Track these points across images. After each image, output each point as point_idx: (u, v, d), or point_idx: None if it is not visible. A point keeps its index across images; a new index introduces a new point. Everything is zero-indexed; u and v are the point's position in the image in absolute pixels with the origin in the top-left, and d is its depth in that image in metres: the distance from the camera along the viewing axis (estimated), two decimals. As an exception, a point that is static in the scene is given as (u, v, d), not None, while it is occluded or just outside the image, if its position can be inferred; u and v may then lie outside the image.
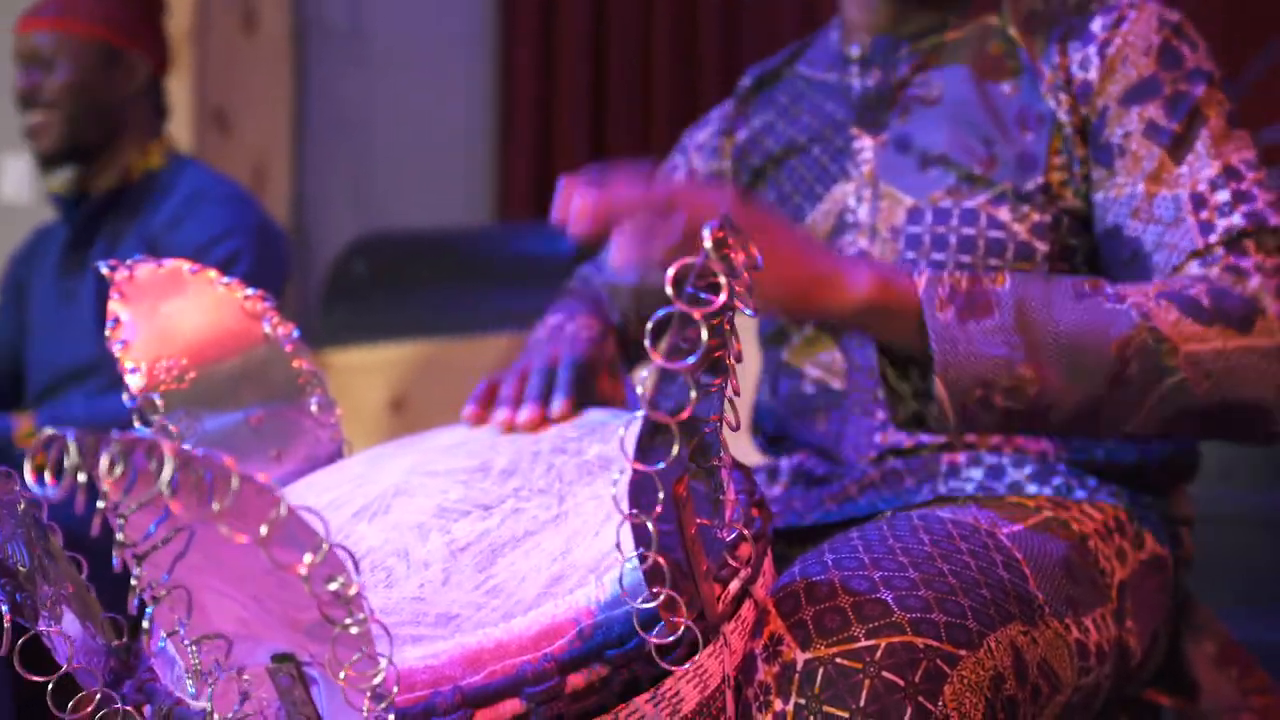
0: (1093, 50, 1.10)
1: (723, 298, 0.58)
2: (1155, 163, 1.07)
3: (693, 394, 0.58)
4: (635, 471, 0.61)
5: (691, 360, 0.57)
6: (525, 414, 1.01)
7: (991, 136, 1.12)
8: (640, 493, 0.62)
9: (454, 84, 4.00)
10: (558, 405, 1.01)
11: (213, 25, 3.29)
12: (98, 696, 0.73)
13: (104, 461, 0.46)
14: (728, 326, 0.64)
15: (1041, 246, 1.10)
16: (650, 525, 0.62)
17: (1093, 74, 1.10)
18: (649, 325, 0.59)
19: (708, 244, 0.60)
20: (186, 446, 0.50)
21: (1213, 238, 1.03)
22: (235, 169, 3.13)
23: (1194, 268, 1.03)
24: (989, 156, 1.12)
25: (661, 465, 0.60)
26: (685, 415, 0.58)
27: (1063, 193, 1.11)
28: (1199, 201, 1.04)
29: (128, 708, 0.74)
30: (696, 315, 0.57)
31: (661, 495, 0.60)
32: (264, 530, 0.47)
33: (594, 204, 0.92)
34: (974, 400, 0.96)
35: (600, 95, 4.00)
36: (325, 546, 0.49)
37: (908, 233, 1.14)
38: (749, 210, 0.98)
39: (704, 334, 0.56)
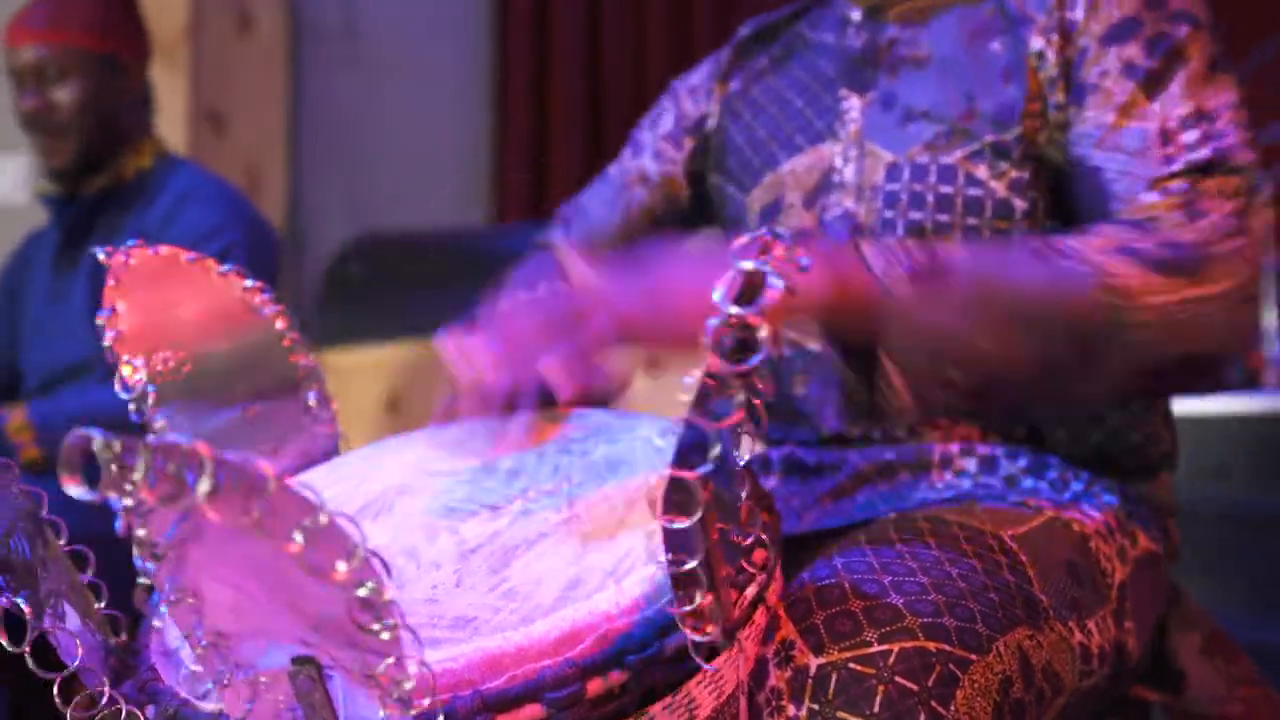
0: None
1: (768, 301, 0.58)
2: (1127, 96, 1.05)
3: (743, 400, 0.57)
4: (674, 476, 0.61)
5: (754, 362, 0.57)
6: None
7: (973, 91, 1.11)
8: (677, 498, 0.61)
9: (449, 84, 3.99)
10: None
11: (207, 26, 3.28)
12: (105, 695, 0.72)
13: (140, 469, 0.46)
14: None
15: (1020, 204, 1.10)
16: (687, 530, 0.61)
17: (1079, 13, 1.09)
18: (709, 332, 0.58)
19: (746, 262, 0.60)
20: (220, 454, 0.49)
21: (1175, 167, 1.02)
22: (230, 170, 3.12)
23: (1151, 196, 1.01)
24: (968, 109, 1.11)
25: (702, 471, 0.59)
26: (734, 421, 0.58)
27: (1038, 139, 1.09)
28: (1166, 136, 1.03)
29: (131, 707, 0.73)
30: (754, 322, 0.57)
31: (700, 502, 0.60)
32: (300, 538, 0.47)
33: (497, 359, 0.95)
34: (928, 377, 0.94)
35: (595, 94, 4.00)
36: (360, 553, 0.48)
37: (886, 190, 1.13)
38: (641, 265, 0.96)
39: (762, 339, 0.56)
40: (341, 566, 0.48)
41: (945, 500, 1.07)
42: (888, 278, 0.93)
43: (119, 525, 0.49)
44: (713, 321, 0.59)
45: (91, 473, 0.48)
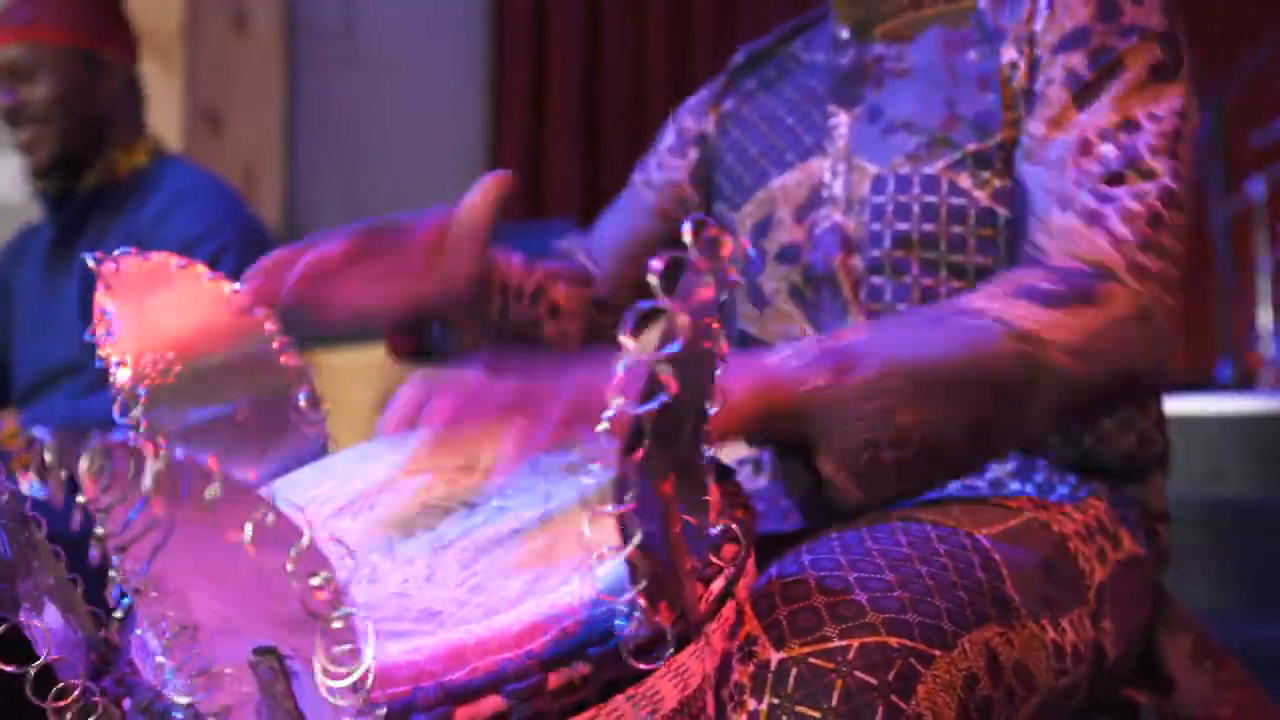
0: (1044, 1, 1.11)
1: (709, 292, 0.58)
2: (1059, 108, 1.07)
3: (672, 388, 0.58)
4: (617, 467, 0.61)
5: (673, 350, 0.57)
6: None
7: (953, 96, 1.13)
8: (622, 489, 0.62)
9: (445, 84, 4.00)
10: None
11: (204, 25, 3.28)
12: (78, 688, 0.73)
13: (84, 464, 0.46)
14: (716, 324, 0.64)
15: (1003, 212, 1.11)
16: (632, 522, 0.62)
17: (1039, 24, 1.11)
18: (627, 318, 0.58)
19: (688, 239, 0.60)
20: (168, 446, 0.50)
21: (1086, 181, 1.03)
22: (226, 169, 3.12)
23: (1058, 214, 1.03)
24: (949, 116, 1.13)
25: (643, 460, 0.60)
26: (663, 410, 0.58)
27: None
28: (1085, 148, 1.04)
29: (107, 700, 0.74)
30: (682, 309, 0.57)
31: (643, 491, 0.60)
32: (249, 530, 0.47)
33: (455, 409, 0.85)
34: (864, 463, 0.94)
35: (592, 96, 4.01)
36: (308, 542, 0.49)
37: (872, 202, 1.15)
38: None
39: (686, 326, 0.56)
40: (292, 553, 0.49)
41: (926, 501, 1.08)
42: (804, 378, 0.92)
43: (74, 521, 0.50)
44: (644, 307, 0.59)
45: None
